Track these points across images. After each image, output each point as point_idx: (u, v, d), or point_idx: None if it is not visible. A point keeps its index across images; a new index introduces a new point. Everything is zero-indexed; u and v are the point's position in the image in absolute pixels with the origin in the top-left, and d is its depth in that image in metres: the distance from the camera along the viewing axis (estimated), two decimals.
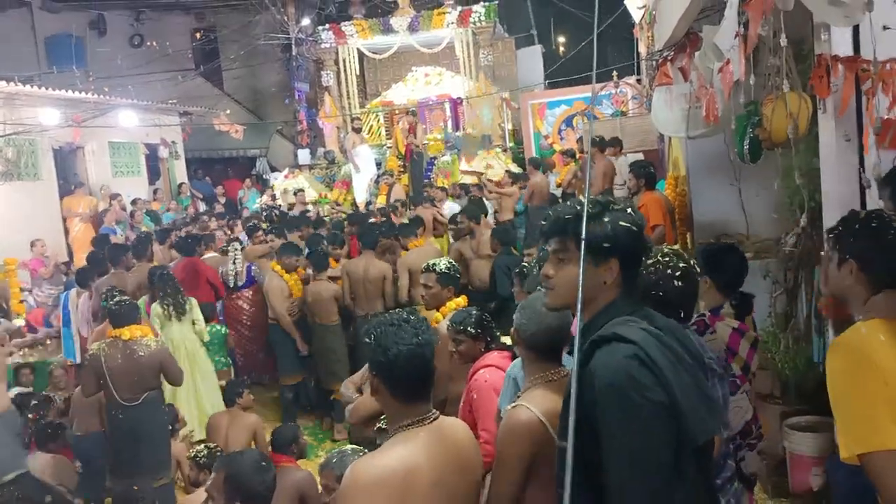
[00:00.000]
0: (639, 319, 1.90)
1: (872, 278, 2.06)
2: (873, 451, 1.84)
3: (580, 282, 1.79)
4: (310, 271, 7.19)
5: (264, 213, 11.77)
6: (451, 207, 10.27)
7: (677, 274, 2.63)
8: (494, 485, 2.34)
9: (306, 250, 7.59)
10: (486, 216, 8.88)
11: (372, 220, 9.74)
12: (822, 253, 2.32)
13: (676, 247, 2.95)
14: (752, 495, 3.46)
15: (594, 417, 1.78)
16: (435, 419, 2.18)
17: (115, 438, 5.42)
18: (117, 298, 5.63)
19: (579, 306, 1.79)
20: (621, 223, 1.91)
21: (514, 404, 2.39)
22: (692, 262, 2.70)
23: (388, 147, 15.56)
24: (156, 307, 6.98)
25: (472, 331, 3.52)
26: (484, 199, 10.88)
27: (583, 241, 1.81)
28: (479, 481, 2.35)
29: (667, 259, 2.66)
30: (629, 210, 1.96)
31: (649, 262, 2.68)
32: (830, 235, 2.19)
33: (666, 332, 1.90)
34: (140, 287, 7.34)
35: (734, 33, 3.16)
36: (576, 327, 1.85)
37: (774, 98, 3.07)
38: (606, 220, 1.92)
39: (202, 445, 5.01)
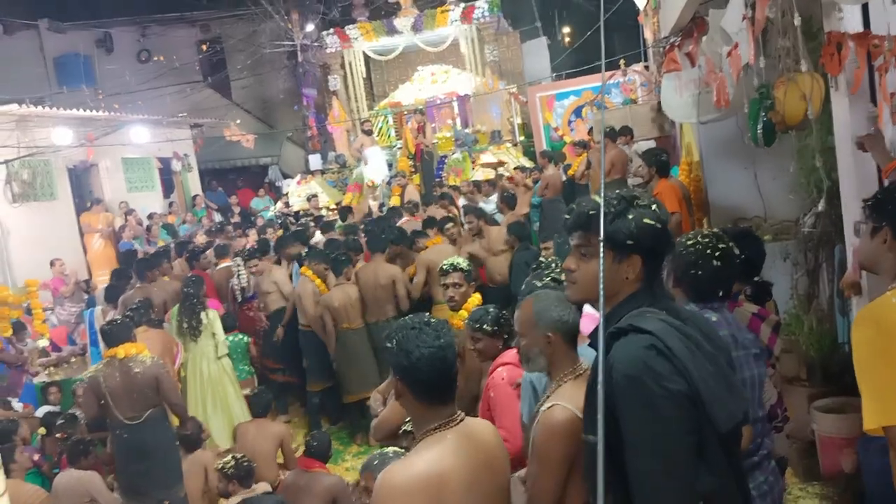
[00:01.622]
0: (657, 310, 1.89)
1: None
2: None
3: (601, 276, 1.79)
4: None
5: (279, 221, 11.81)
6: (490, 203, 10.21)
7: (717, 254, 2.63)
8: (538, 484, 2.34)
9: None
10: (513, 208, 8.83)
11: (404, 218, 9.72)
12: (856, 222, 2.30)
13: (715, 230, 2.92)
14: (784, 479, 3.43)
15: (615, 409, 1.77)
16: (461, 421, 2.18)
17: (122, 458, 5.44)
18: (109, 318, 5.69)
19: (601, 301, 1.78)
20: (646, 220, 1.91)
21: (549, 404, 2.38)
22: (731, 244, 2.70)
23: (399, 148, 15.57)
24: (171, 325, 7.05)
25: (490, 328, 3.51)
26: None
27: (601, 239, 1.81)
28: (508, 480, 2.34)
29: (707, 240, 2.67)
30: (654, 206, 1.95)
31: (689, 242, 2.69)
32: (867, 203, 2.16)
33: (687, 322, 1.89)
34: (166, 300, 7.42)
35: (741, 16, 3.13)
36: (599, 322, 1.85)
37: (786, 80, 3.04)
38: (630, 217, 1.91)
39: (229, 456, 5.04)
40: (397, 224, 9.08)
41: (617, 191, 2.00)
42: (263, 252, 8.48)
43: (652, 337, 1.79)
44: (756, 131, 3.24)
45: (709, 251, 2.62)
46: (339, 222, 10.62)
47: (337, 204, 14.29)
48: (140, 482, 5.31)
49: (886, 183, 3.15)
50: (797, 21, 2.88)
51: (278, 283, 7.71)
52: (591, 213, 1.95)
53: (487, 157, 13.46)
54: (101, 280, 10.35)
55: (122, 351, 5.35)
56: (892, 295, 1.98)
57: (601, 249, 1.82)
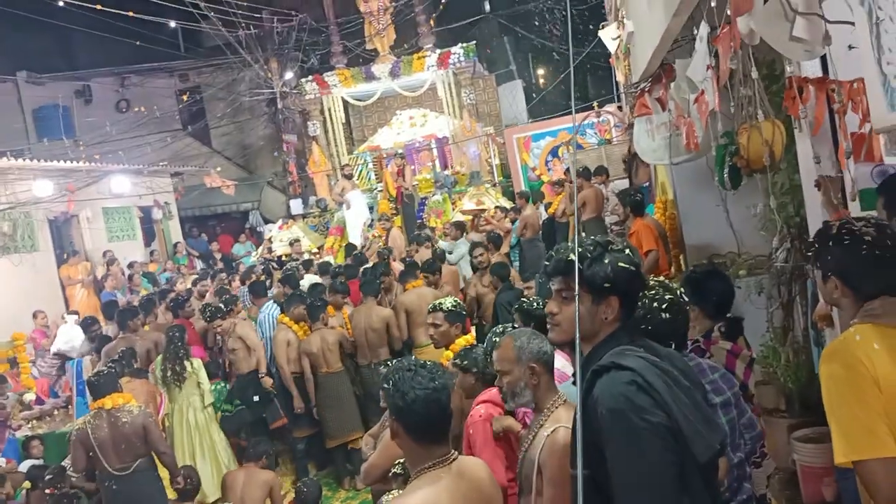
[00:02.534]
0: (636, 348, 2.01)
1: (857, 290, 2.08)
2: (868, 459, 1.87)
3: (577, 318, 1.92)
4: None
5: (261, 267, 11.85)
6: (459, 250, 10.25)
7: (664, 306, 2.66)
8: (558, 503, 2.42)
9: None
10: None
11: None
12: (807, 267, 2.38)
13: (661, 279, 3.01)
14: None
15: (601, 443, 1.87)
16: (454, 459, 2.26)
17: None
18: (95, 370, 5.72)
19: (577, 341, 1.90)
20: (621, 264, 2.03)
21: (550, 429, 2.51)
22: (679, 293, 2.76)
23: (379, 191, 15.73)
24: (157, 371, 7.05)
25: (476, 368, 3.63)
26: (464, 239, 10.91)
27: (576, 283, 1.93)
28: None
29: (653, 292, 2.69)
30: (627, 250, 2.08)
31: None
32: (809, 253, 2.25)
33: (664, 359, 2.00)
34: (149, 349, 7.42)
35: (706, 66, 3.30)
36: (576, 362, 1.96)
37: (749, 127, 3.20)
38: (606, 261, 2.03)
39: None
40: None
41: (592, 237, 2.12)
42: (227, 309, 7.79)
43: (633, 373, 1.90)
44: (723, 175, 3.39)
45: (655, 304, 2.66)
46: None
47: (319, 248, 14.37)
48: None
49: None
50: (755, 74, 3.05)
51: (244, 338, 7.38)
52: (569, 259, 2.07)
53: (468, 204, 13.63)
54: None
55: (109, 402, 5.36)
56: (855, 332, 2.04)
57: (577, 291, 1.94)
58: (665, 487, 1.83)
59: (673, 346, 2.68)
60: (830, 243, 2.09)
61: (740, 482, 2.71)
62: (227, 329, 7.48)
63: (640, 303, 2.69)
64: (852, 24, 2.32)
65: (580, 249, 2.05)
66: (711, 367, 2.66)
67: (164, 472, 5.76)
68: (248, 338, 7.37)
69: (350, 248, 11.62)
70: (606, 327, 2.06)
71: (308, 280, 9.12)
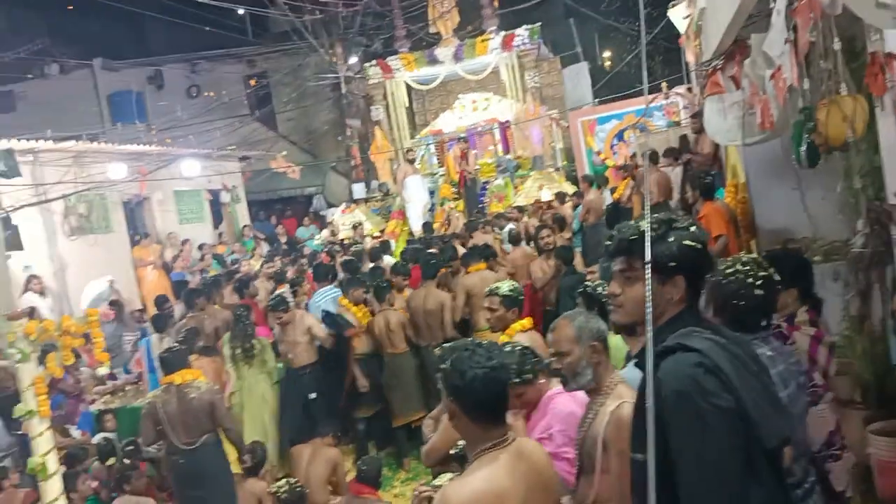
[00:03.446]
0: (703, 329, 1.93)
1: None
2: None
3: (648, 298, 1.84)
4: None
5: (325, 250, 12.01)
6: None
7: (758, 283, 2.64)
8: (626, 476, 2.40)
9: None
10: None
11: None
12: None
13: (753, 256, 2.93)
14: None
15: (664, 426, 1.81)
16: (513, 441, 2.22)
17: (178, 483, 5.59)
18: (165, 346, 5.86)
19: (648, 322, 1.83)
20: (685, 242, 1.96)
21: (614, 404, 2.49)
22: (771, 271, 2.69)
23: (441, 175, 15.73)
24: (225, 350, 7.21)
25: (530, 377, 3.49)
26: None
27: (648, 263, 1.87)
28: (559, 499, 2.38)
29: (747, 268, 2.68)
30: (692, 228, 2.00)
31: (728, 271, 2.70)
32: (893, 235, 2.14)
33: (731, 341, 1.92)
34: (217, 328, 7.59)
35: (783, 39, 3.15)
36: (646, 343, 1.90)
37: (828, 102, 3.05)
38: (671, 239, 1.96)
39: (283, 480, 5.12)
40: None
41: (655, 215, 2.04)
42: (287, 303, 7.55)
43: (700, 355, 1.83)
44: (800, 152, 3.25)
45: (750, 279, 2.62)
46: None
47: (381, 231, 14.48)
48: None
49: None
50: (837, 46, 2.90)
51: (312, 329, 7.15)
52: (632, 238, 2.00)
53: (535, 193, 13.51)
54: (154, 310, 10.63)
55: (178, 377, 5.52)
56: None
57: (648, 272, 1.87)
58: (732, 473, 1.77)
59: (765, 323, 2.63)
60: None
61: (805, 474, 2.61)
62: (287, 320, 7.19)
63: (733, 278, 2.64)
64: None
65: (643, 228, 1.98)
66: (770, 360, 2.56)
67: (230, 448, 5.90)
68: (316, 330, 7.18)
69: (427, 226, 11.69)
70: (672, 308, 1.99)
71: (386, 262, 9.18)
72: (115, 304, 10.53)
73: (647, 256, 1.90)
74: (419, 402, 7.02)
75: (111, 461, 6.43)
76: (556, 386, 3.29)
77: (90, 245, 11.92)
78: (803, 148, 3.19)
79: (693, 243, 1.96)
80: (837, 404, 4.32)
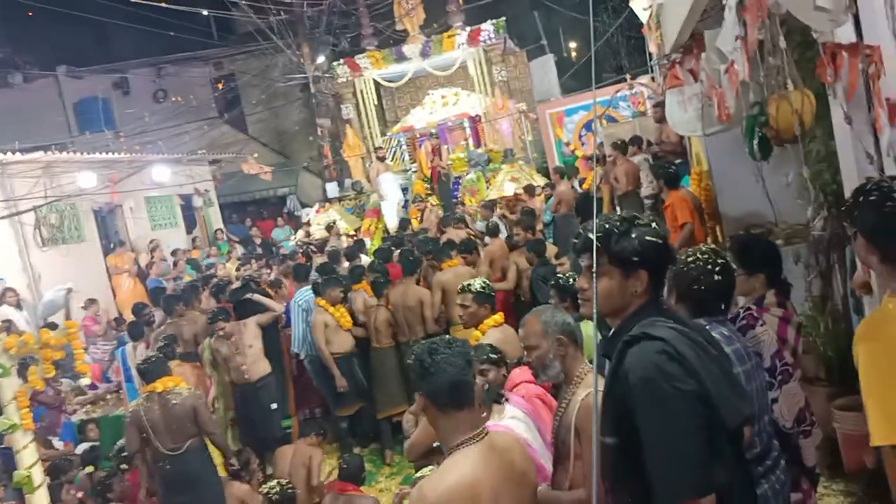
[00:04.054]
0: (665, 319, 2.05)
1: (882, 249, 2.03)
2: None
3: (594, 291, 2.05)
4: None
5: (300, 251, 12.03)
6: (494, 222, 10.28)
7: (716, 269, 2.77)
8: None
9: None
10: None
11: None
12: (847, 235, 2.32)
13: (710, 244, 3.07)
14: (815, 492, 3.49)
15: (631, 410, 1.93)
16: (486, 435, 2.33)
17: (166, 489, 5.65)
18: (144, 357, 5.95)
19: (594, 312, 1.97)
20: (647, 238, 2.08)
21: (584, 394, 2.62)
22: (728, 258, 2.83)
23: (413, 171, 15.81)
24: (205, 355, 7.25)
25: (494, 357, 3.67)
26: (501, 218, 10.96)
27: (593, 264, 2.00)
28: (535, 491, 2.49)
29: (706, 256, 2.81)
30: (653, 224, 2.13)
31: (689, 259, 2.83)
32: (843, 209, 2.22)
33: (692, 329, 2.05)
34: (196, 333, 7.61)
35: (734, 36, 3.29)
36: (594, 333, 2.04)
37: (778, 97, 3.19)
38: (633, 235, 2.08)
39: (274, 482, 5.20)
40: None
41: (618, 213, 2.17)
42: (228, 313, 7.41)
43: (663, 343, 1.96)
44: (752, 146, 3.39)
45: (709, 266, 2.76)
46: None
47: (356, 230, 14.53)
48: None
49: None
50: (783, 44, 3.04)
51: (252, 344, 7.05)
52: (597, 236, 2.12)
53: (507, 185, 13.64)
54: (131, 319, 10.61)
55: (160, 385, 5.58)
56: (888, 303, 2.00)
57: (594, 268, 2.04)
58: (695, 452, 1.88)
59: (724, 307, 2.76)
60: (861, 199, 2.07)
61: (769, 440, 2.75)
62: (231, 332, 7.03)
63: (693, 265, 2.78)
64: None
65: (607, 225, 2.10)
66: (727, 339, 2.70)
67: (217, 452, 5.96)
68: (255, 340, 7.07)
69: (404, 223, 11.81)
70: (636, 300, 2.11)
71: (363, 261, 9.25)
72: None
73: (594, 257, 2.05)
74: (402, 397, 7.14)
75: (90, 469, 6.49)
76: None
77: (63, 255, 11.85)
78: (755, 142, 3.33)
79: (654, 238, 2.08)
80: (804, 381, 4.49)
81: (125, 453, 5.97)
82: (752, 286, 3.51)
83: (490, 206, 11.37)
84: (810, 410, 3.49)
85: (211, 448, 5.87)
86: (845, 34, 3.76)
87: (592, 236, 2.08)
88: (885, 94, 3.46)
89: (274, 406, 7.13)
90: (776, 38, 3.04)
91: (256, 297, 7.51)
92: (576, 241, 2.21)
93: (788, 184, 5.50)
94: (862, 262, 2.24)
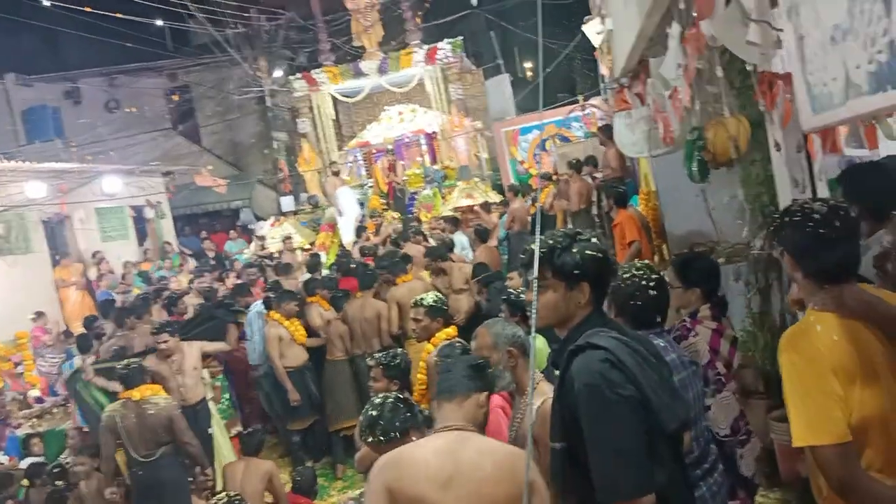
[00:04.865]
0: (609, 330, 2.18)
1: (807, 271, 2.14)
2: (824, 445, 1.98)
3: (534, 304, 2.16)
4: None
5: (256, 264, 11.98)
6: (460, 240, 10.40)
7: (651, 284, 2.92)
8: None
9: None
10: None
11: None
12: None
13: (646, 262, 3.23)
14: (752, 502, 3.64)
15: (578, 416, 2.05)
16: (454, 430, 2.49)
17: (138, 495, 5.68)
18: (125, 361, 5.91)
19: (533, 322, 2.12)
20: (588, 252, 2.21)
21: (539, 402, 2.76)
22: (662, 274, 2.97)
23: (370, 187, 15.87)
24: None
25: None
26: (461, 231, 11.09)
27: (534, 279, 2.16)
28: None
29: (641, 272, 2.96)
30: (593, 239, 2.26)
31: (626, 276, 2.98)
32: (770, 229, 2.34)
33: (633, 339, 2.18)
34: (147, 346, 7.53)
35: (677, 65, 3.47)
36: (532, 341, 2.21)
37: (715, 123, 3.38)
38: (575, 250, 2.21)
39: (223, 494, 5.18)
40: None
41: (560, 229, 2.30)
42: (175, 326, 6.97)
43: (606, 352, 2.08)
44: (692, 168, 3.57)
45: (644, 282, 2.92)
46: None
47: (310, 244, 14.52)
48: None
49: None
50: (720, 73, 3.23)
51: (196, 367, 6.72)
52: (541, 251, 2.25)
53: (463, 201, 13.80)
54: (79, 332, 10.44)
55: (137, 393, 5.63)
56: (815, 321, 2.11)
57: (535, 283, 2.18)
58: (636, 454, 2.00)
59: (659, 319, 2.91)
60: (786, 219, 2.17)
61: (706, 444, 2.90)
62: (172, 349, 6.51)
63: (630, 281, 2.93)
64: (781, 30, 2.49)
65: (550, 241, 2.23)
66: (664, 350, 2.85)
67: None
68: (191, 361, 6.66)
69: (361, 229, 11.79)
70: (580, 311, 2.23)
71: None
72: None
73: (535, 272, 2.18)
74: (354, 410, 7.16)
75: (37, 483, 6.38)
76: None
77: (9, 266, 11.60)
78: (695, 165, 3.51)
79: (594, 253, 2.22)
80: (742, 395, 4.67)
81: (57, 469, 5.94)
82: (689, 299, 3.67)
83: (455, 221, 11.46)
84: (745, 420, 3.65)
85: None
86: (783, 63, 3.99)
87: (542, 250, 2.21)
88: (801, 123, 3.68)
89: (211, 430, 6.81)
90: (714, 67, 3.22)
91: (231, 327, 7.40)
92: (523, 256, 2.34)
93: (724, 204, 5.73)
94: (789, 276, 2.38)
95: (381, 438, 2.87)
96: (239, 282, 9.95)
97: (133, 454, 5.56)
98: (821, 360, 2.03)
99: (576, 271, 2.20)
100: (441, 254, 8.15)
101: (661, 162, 6.38)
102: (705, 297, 3.69)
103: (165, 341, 6.46)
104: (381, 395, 3.12)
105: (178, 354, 6.55)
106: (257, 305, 8.13)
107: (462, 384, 2.58)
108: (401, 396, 3.12)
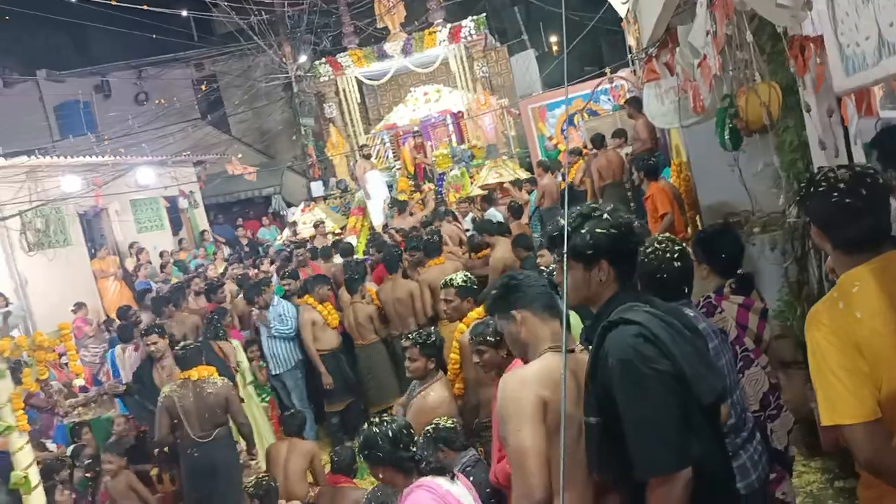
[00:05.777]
0: (641, 304, 2.17)
1: (835, 243, 2.08)
2: (854, 424, 1.93)
3: (565, 281, 2.15)
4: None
5: (288, 249, 12.09)
6: (494, 216, 10.33)
7: (675, 256, 2.91)
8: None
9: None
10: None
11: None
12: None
13: (667, 234, 3.20)
14: (790, 475, 3.60)
15: (612, 391, 2.05)
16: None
17: (192, 476, 5.82)
18: (182, 343, 6.05)
19: (565, 300, 2.12)
20: (598, 230, 2.18)
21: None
22: (685, 246, 2.95)
23: (398, 169, 15.88)
24: None
25: (492, 339, 3.57)
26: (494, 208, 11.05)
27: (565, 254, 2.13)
28: None
29: (663, 245, 2.95)
30: (606, 216, 2.21)
31: (648, 250, 2.95)
32: (797, 199, 2.29)
33: (666, 312, 2.17)
34: (185, 334, 7.68)
35: (706, 32, 3.41)
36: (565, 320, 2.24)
37: (747, 90, 3.32)
38: (585, 230, 2.20)
39: (253, 477, 5.31)
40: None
41: (578, 207, 2.28)
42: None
43: (640, 326, 2.07)
44: (724, 137, 3.51)
45: (668, 255, 2.90)
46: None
47: (341, 228, 14.60)
48: (208, 501, 5.73)
49: None
50: (750, 38, 3.16)
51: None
52: (553, 234, 2.26)
53: (491, 177, 13.75)
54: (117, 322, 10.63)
55: (195, 373, 5.77)
56: (839, 295, 2.04)
57: (565, 260, 2.16)
58: (672, 428, 2.00)
59: (686, 290, 2.88)
60: (811, 189, 2.10)
61: (743, 422, 2.87)
62: (162, 350, 6.40)
63: (653, 255, 2.90)
64: None
65: (563, 223, 2.22)
66: (697, 318, 2.82)
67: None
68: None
69: (403, 204, 11.83)
70: (605, 288, 2.22)
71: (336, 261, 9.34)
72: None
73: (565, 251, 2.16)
74: (394, 390, 7.24)
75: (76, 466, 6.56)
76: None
77: (49, 259, 11.86)
78: (727, 133, 3.45)
79: (604, 230, 2.18)
80: (780, 366, 4.61)
81: (89, 460, 6.08)
82: (711, 278, 3.59)
83: (489, 199, 11.44)
84: (776, 395, 3.60)
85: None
86: (814, 26, 3.90)
87: (565, 228, 2.19)
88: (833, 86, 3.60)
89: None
90: (744, 33, 3.16)
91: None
92: (542, 237, 2.33)
93: (755, 173, 5.63)
94: (819, 246, 2.33)
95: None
96: (262, 276, 9.87)
97: (191, 434, 5.68)
98: (845, 336, 1.97)
99: (589, 251, 2.19)
100: (489, 228, 8.11)
101: (692, 132, 6.30)
102: (724, 275, 3.61)
103: (154, 343, 6.36)
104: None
105: (167, 359, 6.40)
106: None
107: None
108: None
